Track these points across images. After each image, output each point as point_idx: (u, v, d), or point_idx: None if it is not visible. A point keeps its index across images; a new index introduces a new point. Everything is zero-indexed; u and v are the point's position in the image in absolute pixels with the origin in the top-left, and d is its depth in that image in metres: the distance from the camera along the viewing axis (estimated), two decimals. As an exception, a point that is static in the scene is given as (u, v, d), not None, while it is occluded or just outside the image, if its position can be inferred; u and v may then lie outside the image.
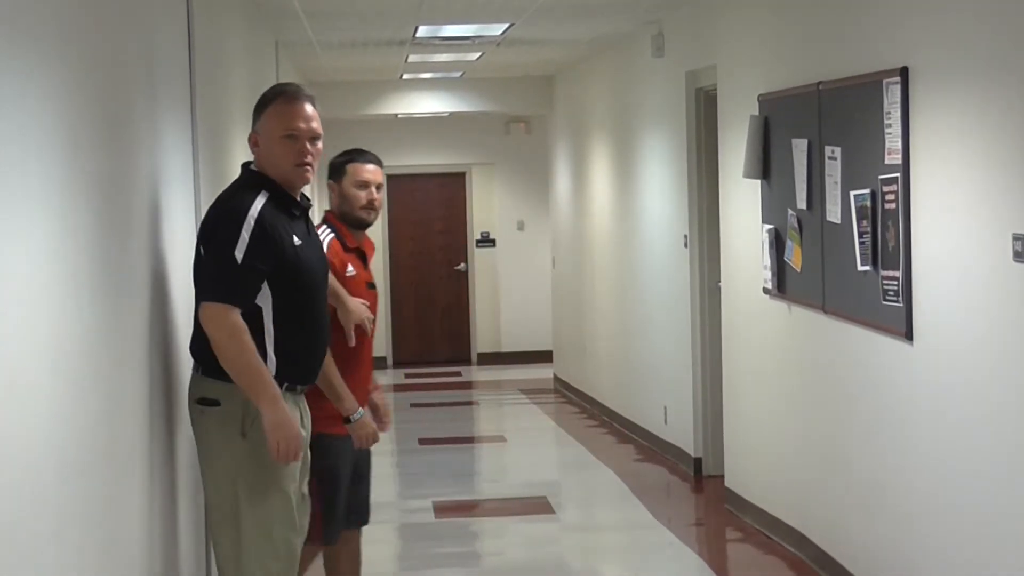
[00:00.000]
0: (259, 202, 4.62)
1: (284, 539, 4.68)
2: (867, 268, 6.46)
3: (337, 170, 5.83)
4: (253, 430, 4.57)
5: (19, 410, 2.84)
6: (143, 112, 4.51)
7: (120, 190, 4.04)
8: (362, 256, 5.80)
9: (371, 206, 5.76)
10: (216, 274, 4.55)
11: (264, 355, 4.59)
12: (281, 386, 4.63)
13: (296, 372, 4.71)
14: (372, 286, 5.82)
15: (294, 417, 4.66)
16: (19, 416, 2.84)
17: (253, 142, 4.81)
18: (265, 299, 4.61)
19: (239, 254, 4.52)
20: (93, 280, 3.59)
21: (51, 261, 3.16)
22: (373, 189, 5.76)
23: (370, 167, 5.77)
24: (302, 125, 4.74)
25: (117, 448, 3.83)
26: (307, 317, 4.73)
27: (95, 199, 3.65)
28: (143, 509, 4.18)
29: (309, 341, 4.76)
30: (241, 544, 4.63)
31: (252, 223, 4.55)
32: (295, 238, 4.69)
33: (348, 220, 5.79)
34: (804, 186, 7.34)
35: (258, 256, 4.54)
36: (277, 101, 4.79)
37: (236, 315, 4.51)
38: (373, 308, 5.71)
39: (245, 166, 4.85)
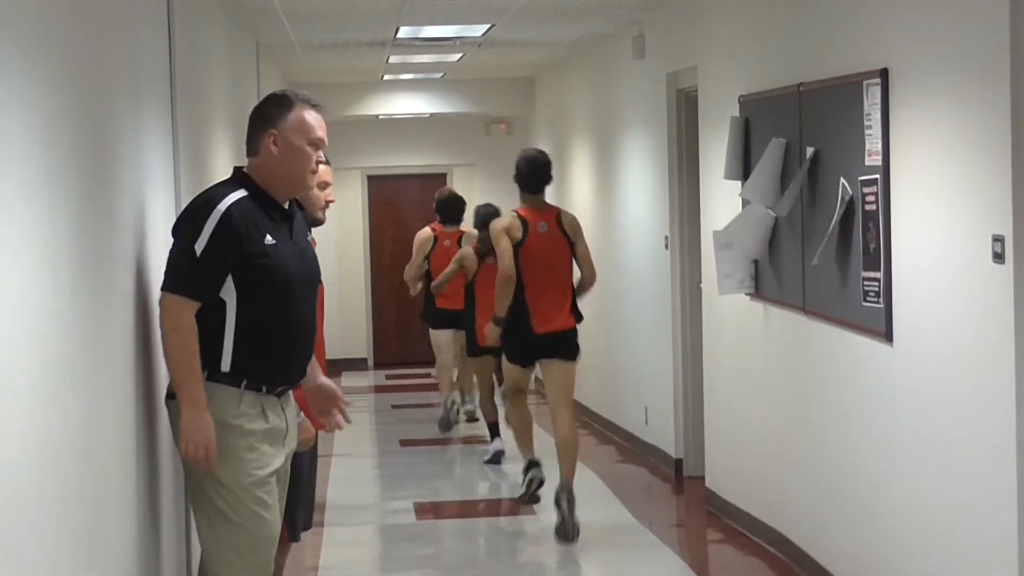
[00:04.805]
0: (232, 197, 4.61)
1: (252, 531, 4.64)
2: (858, 268, 6.48)
3: None
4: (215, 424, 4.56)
5: (0, 409, 2.83)
6: (124, 114, 4.51)
7: (101, 191, 4.04)
8: None
9: (327, 206, 5.79)
10: (175, 265, 4.58)
11: (220, 347, 4.59)
12: (239, 383, 4.62)
13: (256, 372, 4.66)
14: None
15: (252, 421, 4.64)
16: (0, 415, 2.83)
17: (272, 140, 4.76)
18: (229, 293, 4.60)
19: (199, 247, 4.53)
20: (75, 281, 3.58)
21: (34, 262, 3.16)
22: (330, 190, 5.79)
23: (323, 167, 5.77)
24: (323, 137, 4.82)
25: (98, 448, 3.82)
26: (276, 320, 4.67)
27: (77, 201, 3.64)
28: (124, 508, 4.18)
29: (276, 344, 4.69)
30: (213, 536, 4.64)
31: (217, 218, 4.55)
32: (268, 237, 4.65)
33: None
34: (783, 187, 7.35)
35: (217, 251, 4.54)
36: (307, 108, 4.79)
37: (189, 311, 4.52)
38: (320, 303, 5.69)
39: (237, 169, 4.85)
